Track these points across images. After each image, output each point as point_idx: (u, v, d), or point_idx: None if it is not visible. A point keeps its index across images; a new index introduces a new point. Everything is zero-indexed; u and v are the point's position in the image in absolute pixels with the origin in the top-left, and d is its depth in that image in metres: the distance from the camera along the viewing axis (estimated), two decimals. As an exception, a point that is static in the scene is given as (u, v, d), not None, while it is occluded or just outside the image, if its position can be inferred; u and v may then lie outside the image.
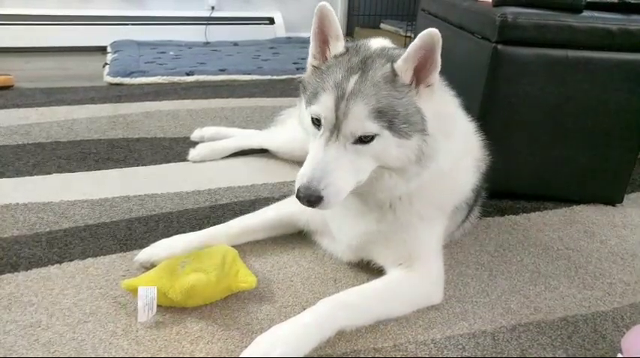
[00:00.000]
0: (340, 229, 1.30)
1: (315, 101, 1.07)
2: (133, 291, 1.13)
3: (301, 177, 1.03)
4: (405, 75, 1.05)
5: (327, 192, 1.01)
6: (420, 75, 1.06)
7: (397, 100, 1.04)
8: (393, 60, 1.06)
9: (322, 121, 1.05)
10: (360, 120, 1.01)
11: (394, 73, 1.05)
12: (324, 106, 1.04)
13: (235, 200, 1.67)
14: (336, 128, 1.03)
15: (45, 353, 1.02)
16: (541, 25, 1.55)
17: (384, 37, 1.24)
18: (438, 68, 1.05)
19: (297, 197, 1.03)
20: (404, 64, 1.04)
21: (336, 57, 1.12)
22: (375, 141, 1.04)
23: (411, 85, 1.06)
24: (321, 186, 1.01)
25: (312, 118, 1.08)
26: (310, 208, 1.07)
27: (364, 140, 1.03)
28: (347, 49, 1.13)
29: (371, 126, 1.02)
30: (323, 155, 1.03)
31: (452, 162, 1.19)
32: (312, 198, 1.01)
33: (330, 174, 1.02)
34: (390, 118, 1.03)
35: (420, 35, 1.00)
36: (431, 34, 0.99)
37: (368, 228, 1.24)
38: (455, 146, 1.17)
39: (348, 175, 1.04)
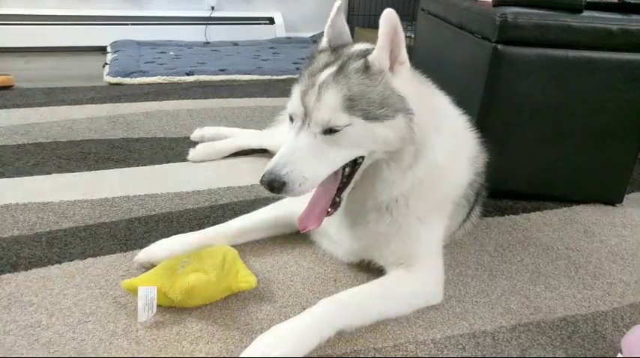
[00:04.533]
0: (339, 234, 1.30)
1: (290, 95, 1.10)
2: (133, 291, 1.13)
3: (269, 164, 1.03)
4: (383, 62, 1.06)
5: (289, 178, 1.00)
6: (394, 57, 1.07)
7: (370, 88, 1.04)
8: (367, 54, 1.08)
9: (296, 111, 1.06)
10: (328, 109, 1.02)
11: (367, 65, 1.06)
12: (295, 97, 1.07)
13: (235, 200, 1.67)
14: (307, 117, 1.04)
15: (45, 353, 1.02)
16: (541, 25, 1.55)
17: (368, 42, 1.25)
18: (404, 42, 1.06)
19: (261, 182, 1.02)
20: (379, 53, 1.05)
21: (319, 51, 1.17)
22: (346, 130, 1.03)
23: (386, 71, 1.07)
24: (283, 172, 1.00)
25: (289, 115, 1.10)
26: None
27: (335, 130, 1.03)
28: (329, 46, 1.17)
29: (339, 117, 1.02)
30: (292, 143, 1.04)
31: (445, 156, 1.18)
32: (274, 183, 1.01)
33: (296, 161, 1.02)
34: (364, 107, 1.03)
35: (381, 20, 1.02)
36: (389, 14, 1.01)
37: (367, 232, 1.24)
38: (446, 140, 1.18)
39: (316, 163, 1.03)
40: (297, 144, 1.04)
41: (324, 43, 1.19)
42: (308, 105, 1.04)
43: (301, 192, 1.04)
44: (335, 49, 1.16)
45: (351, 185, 1.13)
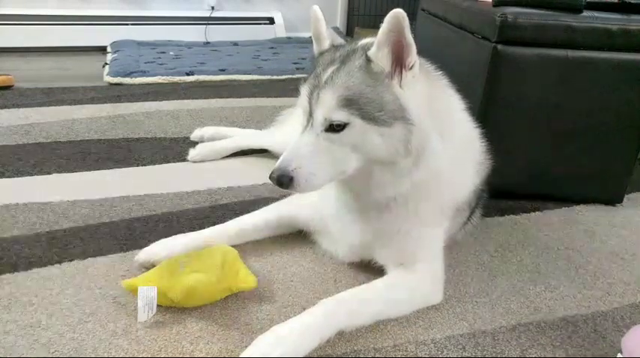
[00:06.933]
0: (341, 231, 1.30)
1: (299, 94, 1.12)
2: (133, 291, 1.13)
3: (278, 161, 1.06)
4: (382, 61, 1.04)
5: (296, 174, 1.04)
6: (400, 61, 1.05)
7: (370, 88, 1.04)
8: (368, 49, 1.07)
9: (304, 111, 1.09)
10: (327, 107, 1.03)
11: (368, 60, 1.05)
12: (301, 96, 1.09)
13: (235, 200, 1.67)
14: (311, 116, 1.07)
15: (45, 353, 1.02)
16: (541, 25, 1.55)
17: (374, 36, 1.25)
18: (413, 48, 1.03)
19: (270, 178, 1.05)
20: (377, 49, 1.04)
21: (321, 53, 1.17)
22: (346, 130, 1.04)
23: (392, 72, 1.05)
24: (290, 168, 1.04)
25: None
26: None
27: (336, 129, 1.04)
28: (333, 46, 1.18)
29: (338, 114, 1.03)
30: (298, 141, 1.07)
31: (449, 162, 1.16)
32: (282, 179, 1.04)
33: (301, 158, 1.05)
34: (362, 106, 1.03)
35: (386, 18, 1.00)
36: (396, 14, 0.98)
37: (368, 230, 1.24)
38: (451, 147, 1.16)
39: (321, 161, 1.05)
40: (301, 141, 1.07)
41: (325, 44, 1.18)
42: (312, 104, 1.06)
43: (309, 188, 1.07)
44: (336, 47, 1.17)
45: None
